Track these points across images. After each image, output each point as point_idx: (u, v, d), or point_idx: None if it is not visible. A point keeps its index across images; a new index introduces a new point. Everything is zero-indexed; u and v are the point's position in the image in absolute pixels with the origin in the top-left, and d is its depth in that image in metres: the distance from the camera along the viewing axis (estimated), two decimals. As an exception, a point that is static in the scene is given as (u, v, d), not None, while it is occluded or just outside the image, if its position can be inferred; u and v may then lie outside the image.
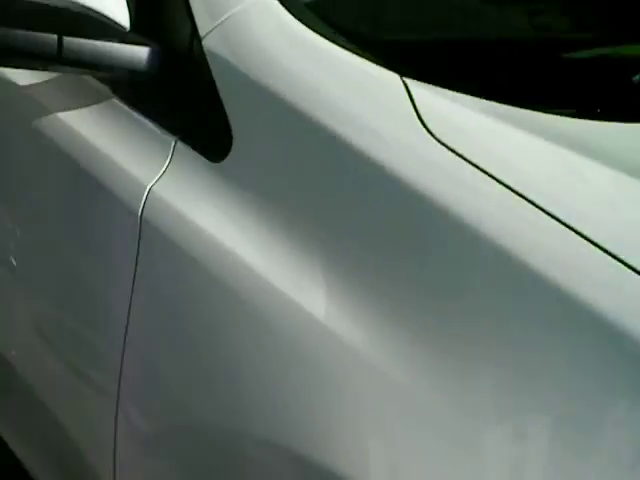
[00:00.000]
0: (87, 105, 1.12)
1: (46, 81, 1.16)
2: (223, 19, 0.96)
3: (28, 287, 1.32)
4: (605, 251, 0.68)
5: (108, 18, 1.00)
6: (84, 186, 1.09)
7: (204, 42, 0.96)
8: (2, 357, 1.47)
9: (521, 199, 0.73)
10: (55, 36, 0.98)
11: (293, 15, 0.94)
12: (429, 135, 0.79)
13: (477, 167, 0.76)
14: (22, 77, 1.21)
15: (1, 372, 1.49)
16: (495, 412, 0.69)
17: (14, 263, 1.37)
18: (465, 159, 0.77)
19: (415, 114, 0.81)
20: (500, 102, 0.85)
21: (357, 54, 0.90)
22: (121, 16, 1.01)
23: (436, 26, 1.11)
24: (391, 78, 0.86)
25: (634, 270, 0.66)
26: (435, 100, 0.84)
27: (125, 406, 1.04)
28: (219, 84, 0.94)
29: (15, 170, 1.28)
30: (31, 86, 1.19)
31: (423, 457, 0.70)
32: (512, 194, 0.74)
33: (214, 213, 0.90)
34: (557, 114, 0.85)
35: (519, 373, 0.68)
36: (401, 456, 0.72)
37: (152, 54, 1.01)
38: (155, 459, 1.03)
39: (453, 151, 0.77)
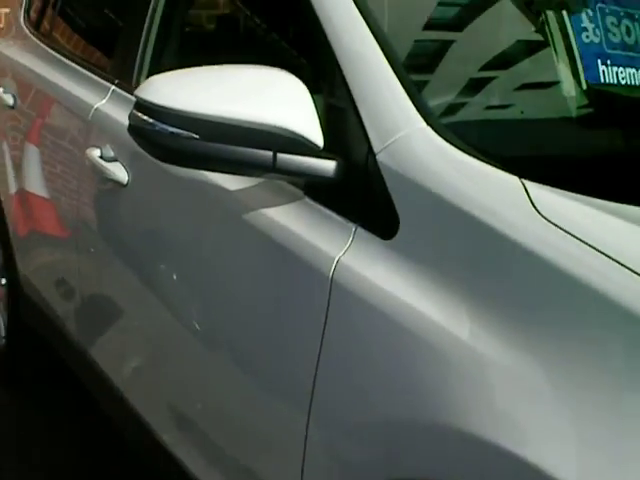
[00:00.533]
0: (284, 203, 1.52)
1: (252, 185, 1.57)
2: (391, 141, 1.36)
3: (228, 348, 1.70)
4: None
5: (307, 139, 1.41)
6: (283, 261, 1.48)
7: (377, 157, 1.36)
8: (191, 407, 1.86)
9: (621, 266, 1.06)
10: (271, 153, 1.39)
11: (442, 138, 1.33)
12: (540, 216, 1.16)
13: (581, 240, 1.11)
14: (229, 182, 1.62)
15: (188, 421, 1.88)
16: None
17: (206, 326, 1.77)
18: (571, 234, 1.12)
19: (530, 202, 1.18)
20: (594, 196, 1.21)
21: (488, 164, 1.28)
22: (316, 138, 1.41)
23: (542, 141, 1.48)
24: (512, 179, 1.24)
25: None
26: (544, 193, 1.20)
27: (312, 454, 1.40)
28: (390, 186, 1.32)
29: (223, 256, 1.69)
30: (239, 189, 1.60)
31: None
32: (612, 261, 1.07)
33: (390, 276, 1.27)
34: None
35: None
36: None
37: (339, 166, 1.41)
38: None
39: (561, 228, 1.13)
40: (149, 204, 1.97)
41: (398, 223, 1.30)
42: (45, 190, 2.64)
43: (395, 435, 1.25)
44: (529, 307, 1.13)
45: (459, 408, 1.12)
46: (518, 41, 1.89)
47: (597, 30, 1.98)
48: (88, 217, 2.32)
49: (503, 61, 1.76)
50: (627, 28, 2.03)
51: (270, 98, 1.40)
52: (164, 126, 1.39)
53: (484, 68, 1.70)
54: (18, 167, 2.82)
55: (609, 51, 1.96)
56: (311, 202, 1.47)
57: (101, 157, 2.10)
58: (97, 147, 2.13)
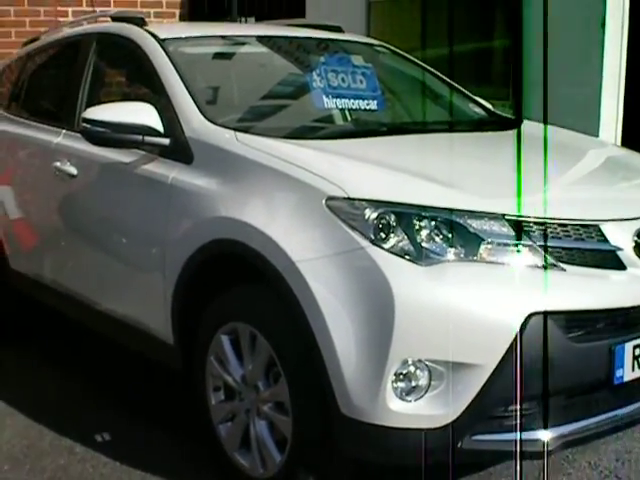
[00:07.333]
0: (151, 161, 3.37)
1: (137, 157, 3.47)
2: (190, 126, 3.28)
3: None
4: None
5: (155, 129, 3.29)
6: (151, 186, 3.35)
7: (185, 133, 3.24)
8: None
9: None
10: (141, 136, 3.29)
11: (212, 123, 3.26)
12: (238, 142, 3.09)
13: (252, 147, 3.04)
14: (126, 157, 3.52)
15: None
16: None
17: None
18: (250, 146, 3.05)
19: (235, 138, 3.13)
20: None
21: (226, 128, 3.23)
22: (160, 128, 3.28)
23: (259, 121, 3.47)
24: (232, 132, 3.18)
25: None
26: (243, 135, 3.15)
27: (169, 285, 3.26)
28: (190, 144, 3.24)
29: (124, 195, 3.58)
30: (132, 160, 3.49)
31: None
32: (268, 155, 2.97)
33: (194, 179, 3.15)
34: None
35: None
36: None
37: (171, 140, 3.27)
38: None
39: (245, 144, 3.07)
40: (89, 185, 3.87)
41: (193, 157, 3.21)
42: (23, 201, 4.50)
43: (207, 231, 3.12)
44: (238, 175, 3.04)
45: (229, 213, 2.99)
46: (268, 83, 3.93)
47: (322, 80, 3.94)
48: (53, 205, 4.17)
49: (260, 95, 3.80)
50: (342, 79, 4.01)
51: (140, 113, 3.30)
52: (95, 128, 3.31)
53: (244, 98, 3.70)
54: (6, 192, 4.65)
55: (329, 90, 3.91)
56: (162, 159, 3.35)
57: (61, 164, 3.99)
58: (58, 160, 4.02)
